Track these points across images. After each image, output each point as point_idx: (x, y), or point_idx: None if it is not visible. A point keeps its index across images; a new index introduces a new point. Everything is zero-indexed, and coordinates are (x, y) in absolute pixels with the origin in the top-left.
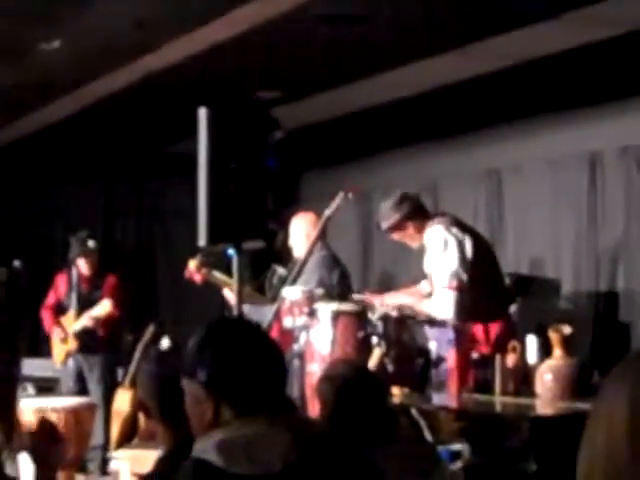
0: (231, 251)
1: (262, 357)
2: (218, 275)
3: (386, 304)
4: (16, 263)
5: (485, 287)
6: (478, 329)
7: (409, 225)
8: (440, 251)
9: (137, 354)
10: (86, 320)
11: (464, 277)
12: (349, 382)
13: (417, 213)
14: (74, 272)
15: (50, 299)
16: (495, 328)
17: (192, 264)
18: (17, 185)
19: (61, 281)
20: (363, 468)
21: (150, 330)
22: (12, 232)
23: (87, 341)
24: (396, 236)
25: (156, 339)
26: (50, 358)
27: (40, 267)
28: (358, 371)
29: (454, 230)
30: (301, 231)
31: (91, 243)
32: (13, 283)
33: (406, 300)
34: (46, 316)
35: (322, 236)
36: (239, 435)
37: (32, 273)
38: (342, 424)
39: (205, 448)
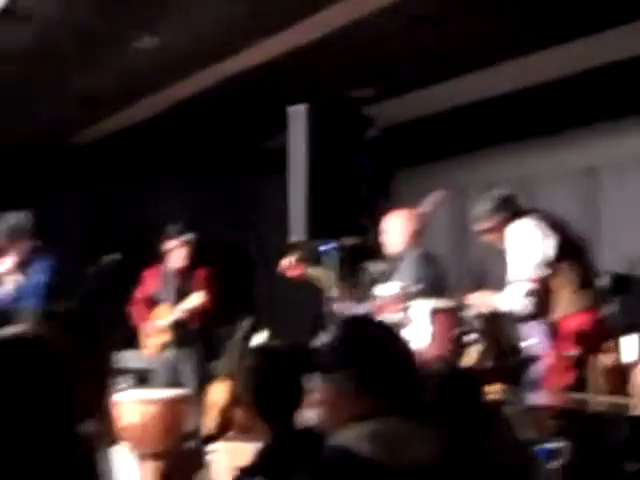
0: (324, 247)
1: (404, 356)
2: (313, 271)
3: (480, 302)
4: (109, 257)
5: (567, 285)
6: (573, 327)
7: (505, 228)
8: (521, 244)
9: (233, 348)
10: (178, 313)
11: (543, 272)
12: (445, 379)
13: (514, 217)
14: (168, 265)
15: (138, 294)
16: (589, 326)
17: (288, 259)
18: (112, 180)
19: (150, 276)
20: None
21: (246, 324)
22: (106, 227)
23: (180, 334)
24: (490, 237)
25: (252, 333)
26: (143, 349)
27: (133, 262)
28: (454, 369)
29: (540, 226)
30: (397, 228)
31: (185, 237)
32: (107, 276)
33: (489, 299)
34: (135, 310)
35: (418, 234)
36: (390, 428)
37: (125, 267)
38: (437, 420)
39: (354, 438)
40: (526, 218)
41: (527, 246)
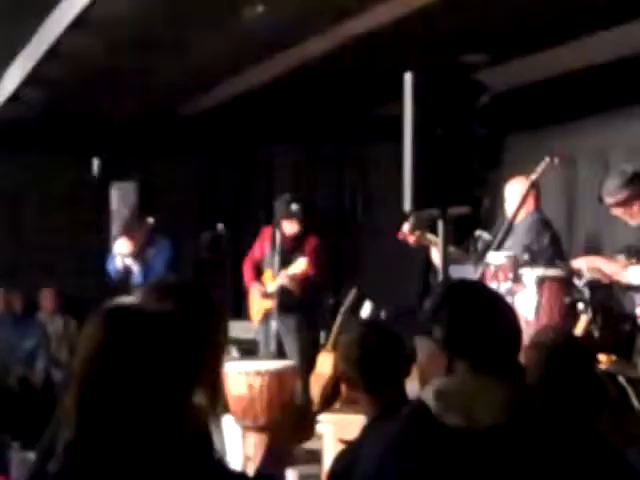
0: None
1: (497, 319)
2: (432, 237)
3: (588, 266)
4: (219, 226)
5: None
6: None
7: (635, 203)
8: None
9: (339, 317)
10: (282, 278)
11: None
12: (557, 350)
13: None
14: (278, 234)
15: (255, 252)
16: None
17: (406, 226)
18: (219, 149)
19: (266, 236)
20: (588, 444)
21: (353, 294)
22: (216, 196)
23: (284, 301)
24: (618, 212)
25: (358, 303)
26: (251, 321)
27: (243, 230)
28: (566, 339)
29: None
30: (516, 195)
31: (294, 206)
32: (216, 246)
33: (608, 267)
34: (248, 268)
35: (535, 200)
36: (459, 387)
37: (236, 236)
38: (550, 392)
39: (427, 393)
40: None
41: None
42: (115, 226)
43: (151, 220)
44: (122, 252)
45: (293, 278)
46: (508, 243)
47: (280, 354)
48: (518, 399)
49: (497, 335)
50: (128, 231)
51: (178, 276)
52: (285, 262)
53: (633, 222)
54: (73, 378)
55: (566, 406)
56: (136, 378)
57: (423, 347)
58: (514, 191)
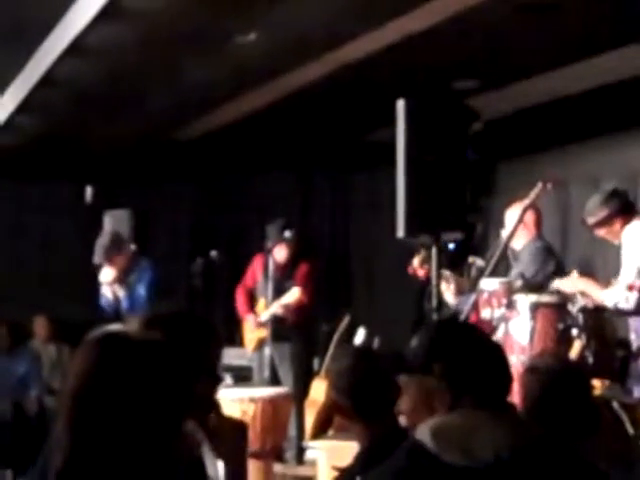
0: (452, 245)
1: (491, 355)
2: (442, 271)
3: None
4: (213, 253)
5: None
6: None
7: (616, 222)
8: (634, 246)
9: (332, 345)
10: (275, 308)
11: None
12: (555, 374)
13: (625, 210)
14: (270, 260)
15: (248, 280)
16: None
17: (416, 260)
18: (213, 176)
19: (258, 264)
20: (578, 470)
21: (345, 321)
22: (209, 223)
23: (278, 328)
24: (601, 232)
25: (351, 330)
26: (244, 347)
27: (237, 257)
28: (564, 364)
29: None
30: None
31: (287, 232)
32: (210, 273)
33: (592, 289)
34: (240, 298)
35: (537, 227)
36: (455, 424)
37: (229, 263)
38: (546, 416)
39: (420, 431)
40: None
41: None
42: (96, 255)
43: (132, 246)
44: (107, 280)
45: (287, 307)
46: (513, 271)
47: (274, 381)
48: (519, 434)
49: (494, 371)
50: (109, 258)
51: (166, 301)
52: (278, 289)
53: (616, 242)
54: (63, 406)
55: (560, 430)
56: (126, 406)
57: (415, 386)
58: (514, 217)
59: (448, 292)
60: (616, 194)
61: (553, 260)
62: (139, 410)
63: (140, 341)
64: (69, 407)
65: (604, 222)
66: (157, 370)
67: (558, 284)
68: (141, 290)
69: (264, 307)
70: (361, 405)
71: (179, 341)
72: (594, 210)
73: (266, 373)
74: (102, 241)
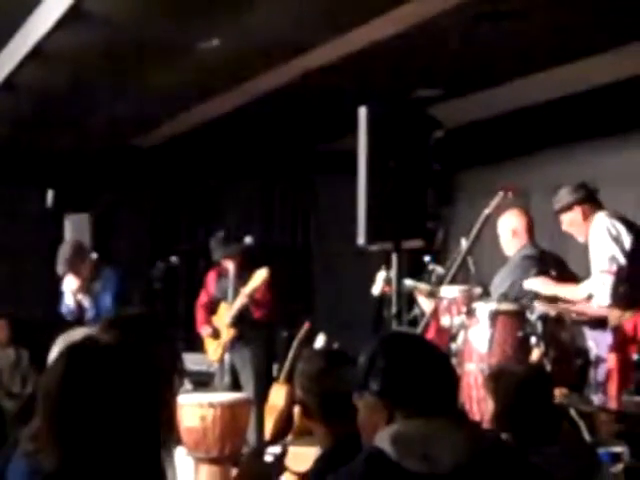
0: (427, 258)
1: (432, 365)
2: (410, 283)
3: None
4: (173, 258)
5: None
6: (637, 329)
7: (578, 209)
8: (602, 237)
9: (292, 351)
10: (242, 298)
11: (623, 263)
12: (525, 379)
13: (588, 200)
14: (229, 266)
15: (202, 298)
16: None
17: (380, 279)
18: (175, 182)
19: (211, 278)
20: (532, 476)
21: (305, 327)
22: (170, 228)
23: (241, 332)
24: (565, 219)
25: (311, 336)
26: (205, 353)
27: (196, 263)
28: (532, 368)
29: (616, 220)
30: (507, 228)
31: (229, 248)
32: (170, 278)
33: (565, 291)
34: (199, 314)
35: (528, 235)
36: (414, 431)
37: (189, 269)
38: (516, 421)
39: (379, 439)
40: (603, 213)
41: (608, 238)
42: (59, 265)
43: (94, 255)
44: (71, 289)
45: (253, 293)
46: (497, 277)
47: (235, 386)
48: (476, 439)
49: (435, 381)
50: (72, 269)
51: (129, 307)
52: (236, 293)
53: (580, 237)
54: (43, 415)
55: (527, 434)
56: (97, 411)
57: (361, 402)
58: (505, 225)
59: (422, 298)
60: (584, 186)
61: (535, 268)
62: (117, 413)
63: (103, 346)
64: (45, 414)
65: (567, 208)
66: (124, 373)
67: (529, 284)
68: (107, 300)
69: (226, 310)
70: (330, 408)
71: (140, 342)
72: (561, 197)
73: (226, 379)
74: (64, 251)
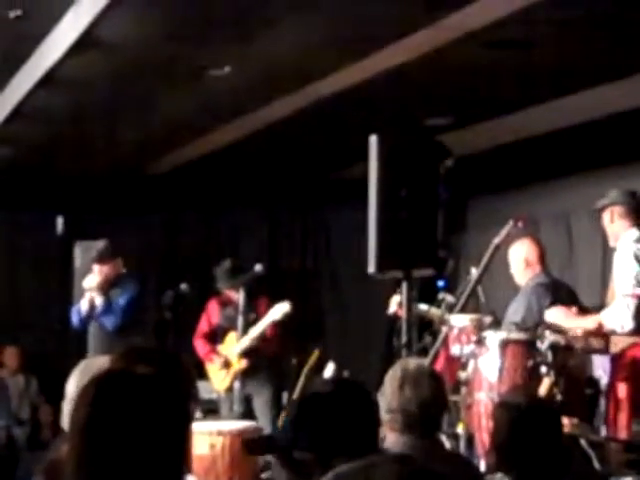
0: (441, 283)
1: (354, 417)
2: (424, 307)
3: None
4: (182, 286)
5: None
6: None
7: (611, 210)
8: (627, 258)
9: (302, 379)
10: (259, 328)
11: None
12: (525, 411)
13: (625, 203)
14: (241, 294)
15: (203, 326)
16: None
17: (394, 301)
18: (184, 209)
19: (213, 307)
20: None
21: (315, 355)
22: (180, 256)
23: (253, 361)
24: (604, 219)
25: (321, 364)
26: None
27: (206, 291)
28: (535, 400)
29: None
30: (520, 257)
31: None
32: (179, 306)
33: (587, 322)
34: (199, 344)
35: (541, 263)
36: (357, 465)
37: (199, 297)
38: (515, 453)
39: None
40: (636, 228)
41: (635, 259)
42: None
43: (121, 262)
44: (90, 285)
45: (271, 325)
46: (511, 307)
47: (247, 415)
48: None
49: (357, 433)
50: (101, 260)
51: (136, 332)
52: (245, 322)
53: (611, 241)
54: (70, 446)
55: (530, 468)
56: (128, 441)
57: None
58: (517, 254)
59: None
60: (633, 195)
61: (548, 297)
62: (150, 444)
63: (136, 376)
64: (75, 446)
65: (604, 208)
66: (155, 403)
67: (550, 316)
68: (121, 300)
69: (235, 339)
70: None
71: (167, 375)
72: (607, 197)
73: (236, 407)
74: (98, 245)
